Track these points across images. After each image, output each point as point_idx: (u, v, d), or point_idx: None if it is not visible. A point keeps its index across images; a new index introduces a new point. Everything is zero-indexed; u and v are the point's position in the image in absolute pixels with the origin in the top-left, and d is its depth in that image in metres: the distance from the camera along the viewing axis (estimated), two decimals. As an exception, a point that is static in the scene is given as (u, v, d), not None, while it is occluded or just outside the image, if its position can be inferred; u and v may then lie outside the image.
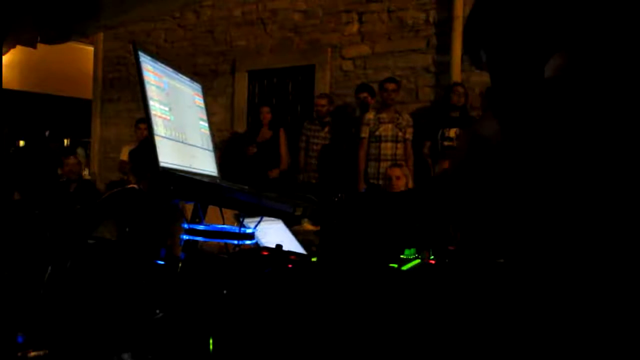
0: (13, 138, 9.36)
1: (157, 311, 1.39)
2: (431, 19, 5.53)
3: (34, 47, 4.31)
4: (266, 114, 5.92)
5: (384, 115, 5.21)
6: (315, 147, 5.67)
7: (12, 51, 4.46)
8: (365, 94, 5.34)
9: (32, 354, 1.69)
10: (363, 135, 5.19)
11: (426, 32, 5.54)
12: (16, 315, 1.86)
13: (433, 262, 1.26)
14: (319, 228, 3.66)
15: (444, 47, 5.41)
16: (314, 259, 1.34)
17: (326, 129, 5.68)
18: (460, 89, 4.99)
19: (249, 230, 1.47)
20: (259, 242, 1.77)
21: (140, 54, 1.46)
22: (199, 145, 1.72)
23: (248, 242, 1.48)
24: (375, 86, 5.39)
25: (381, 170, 5.05)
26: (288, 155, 5.87)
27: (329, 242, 1.22)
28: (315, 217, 3.59)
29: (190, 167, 1.59)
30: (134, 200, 2.60)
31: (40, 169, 6.36)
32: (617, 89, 0.91)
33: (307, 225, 3.77)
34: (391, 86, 5.22)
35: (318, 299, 1.17)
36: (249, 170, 5.53)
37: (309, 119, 5.83)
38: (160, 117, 1.48)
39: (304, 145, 5.71)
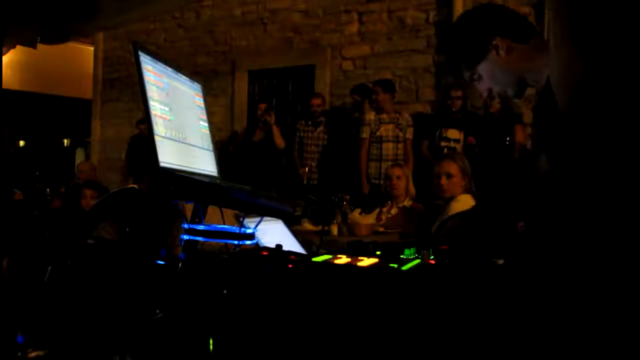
0: (13, 138, 9.36)
1: (157, 311, 1.39)
2: (431, 19, 5.52)
3: (34, 47, 4.29)
4: (262, 110, 5.88)
5: (384, 116, 5.21)
6: (310, 148, 5.66)
7: (12, 51, 4.45)
8: (359, 97, 5.38)
9: (32, 354, 1.68)
10: (364, 135, 5.19)
11: (426, 32, 5.54)
12: (16, 315, 1.86)
13: (433, 262, 1.25)
14: (319, 228, 3.66)
15: (444, 47, 5.41)
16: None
17: (319, 129, 5.67)
18: (459, 92, 4.97)
19: (249, 231, 1.47)
20: (259, 242, 1.77)
21: (141, 53, 1.46)
22: (199, 145, 1.72)
23: (248, 242, 1.47)
24: (375, 87, 5.39)
25: (382, 170, 5.05)
26: (283, 140, 5.77)
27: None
28: (315, 217, 3.59)
29: (190, 167, 1.59)
30: (133, 200, 2.60)
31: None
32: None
33: (307, 225, 3.77)
34: (379, 90, 5.21)
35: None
36: (249, 171, 5.52)
37: (303, 119, 5.83)
38: (160, 117, 1.47)
39: (297, 147, 5.72)
